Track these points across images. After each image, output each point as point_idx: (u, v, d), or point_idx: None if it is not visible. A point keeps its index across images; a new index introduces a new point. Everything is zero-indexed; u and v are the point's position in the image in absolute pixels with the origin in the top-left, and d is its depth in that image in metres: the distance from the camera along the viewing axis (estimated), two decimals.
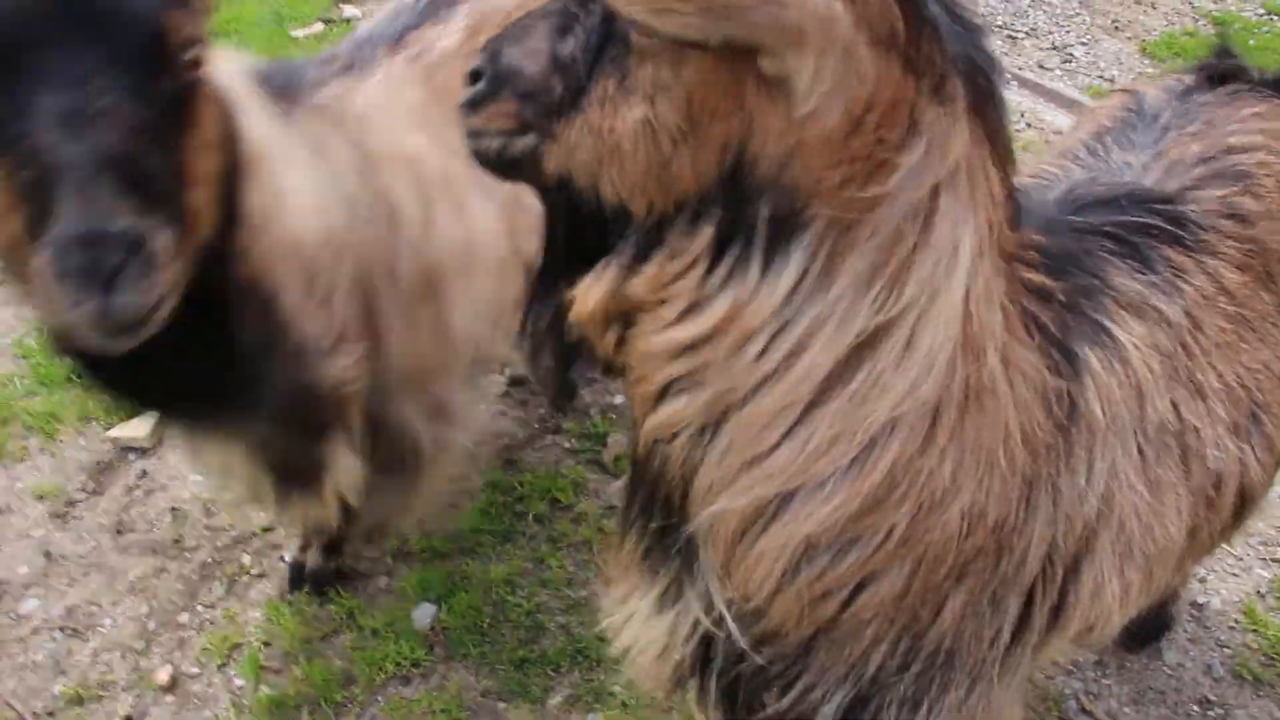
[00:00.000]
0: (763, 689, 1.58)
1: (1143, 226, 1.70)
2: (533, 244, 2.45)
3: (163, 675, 2.70)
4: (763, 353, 1.18)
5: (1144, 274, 1.64)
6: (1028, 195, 1.80)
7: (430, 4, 2.58)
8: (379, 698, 2.64)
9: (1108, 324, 1.52)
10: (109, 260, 1.48)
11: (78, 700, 2.63)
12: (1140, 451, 1.56)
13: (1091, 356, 1.47)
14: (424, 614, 2.81)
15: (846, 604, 1.36)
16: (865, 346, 1.16)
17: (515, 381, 3.50)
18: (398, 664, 2.70)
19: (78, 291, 1.49)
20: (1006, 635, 1.52)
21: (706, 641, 1.55)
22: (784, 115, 1.09)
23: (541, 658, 2.71)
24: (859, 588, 1.35)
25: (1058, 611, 1.57)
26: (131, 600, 2.88)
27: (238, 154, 1.82)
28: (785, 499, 1.25)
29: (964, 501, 1.30)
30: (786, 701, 1.55)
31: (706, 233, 1.16)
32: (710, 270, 1.17)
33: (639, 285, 1.22)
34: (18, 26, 1.49)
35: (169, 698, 2.67)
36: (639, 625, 1.63)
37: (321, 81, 2.27)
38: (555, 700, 2.64)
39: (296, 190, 1.99)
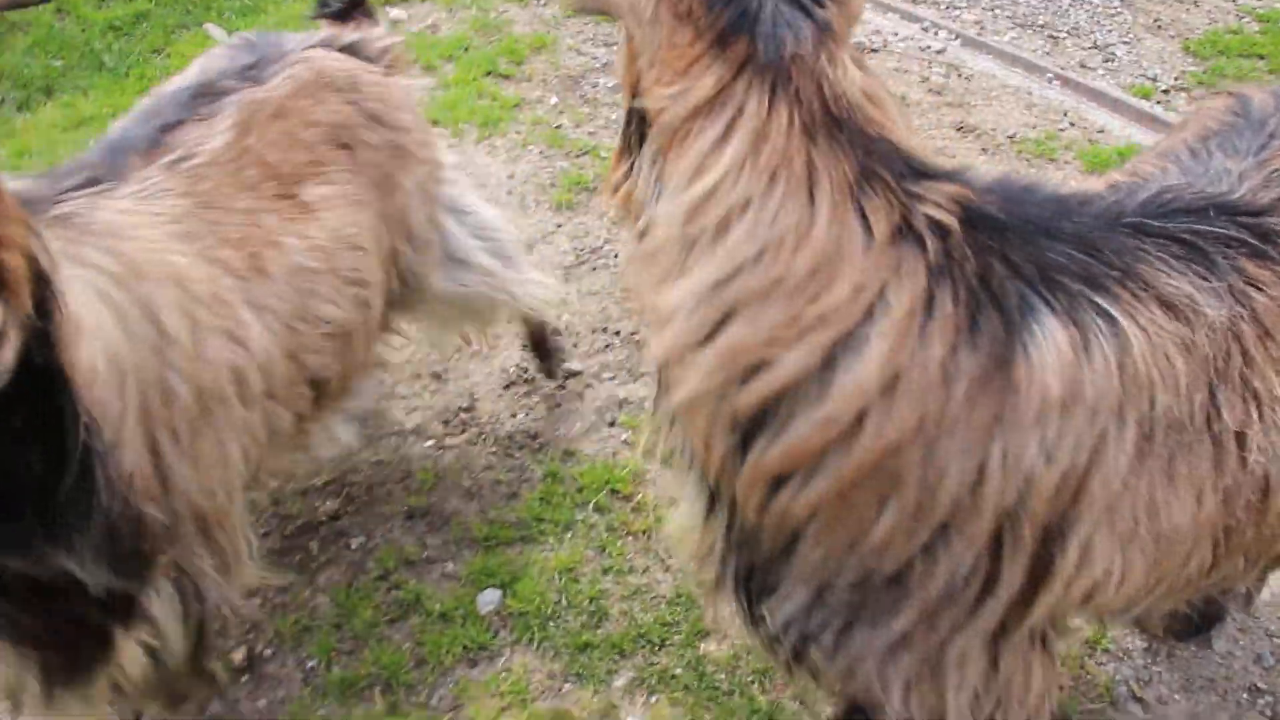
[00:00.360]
0: (761, 590, 1.81)
1: (1224, 238, 1.74)
2: (320, 360, 2.37)
3: (238, 656, 2.80)
4: (643, 232, 1.60)
5: (1204, 279, 1.68)
6: (1119, 191, 1.86)
7: (194, 98, 2.33)
8: (448, 679, 2.73)
9: (1113, 311, 1.60)
10: None
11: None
12: (1143, 439, 1.62)
13: (1056, 331, 1.56)
14: (488, 599, 2.90)
15: (792, 500, 1.60)
16: (689, 232, 1.51)
17: (571, 374, 3.58)
18: (465, 647, 2.79)
19: None
20: (969, 581, 1.66)
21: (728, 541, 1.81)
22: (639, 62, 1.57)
23: (605, 642, 2.79)
24: (801, 483, 1.58)
25: (1040, 573, 1.67)
26: None
27: (38, 242, 1.66)
28: (676, 356, 1.56)
29: (830, 408, 1.51)
30: (774, 601, 1.79)
31: (623, 130, 1.68)
32: (623, 155, 1.68)
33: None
34: None
35: (245, 677, 2.77)
36: (681, 516, 1.91)
37: (53, 198, 1.96)
38: (619, 683, 2.71)
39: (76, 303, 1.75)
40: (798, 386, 1.50)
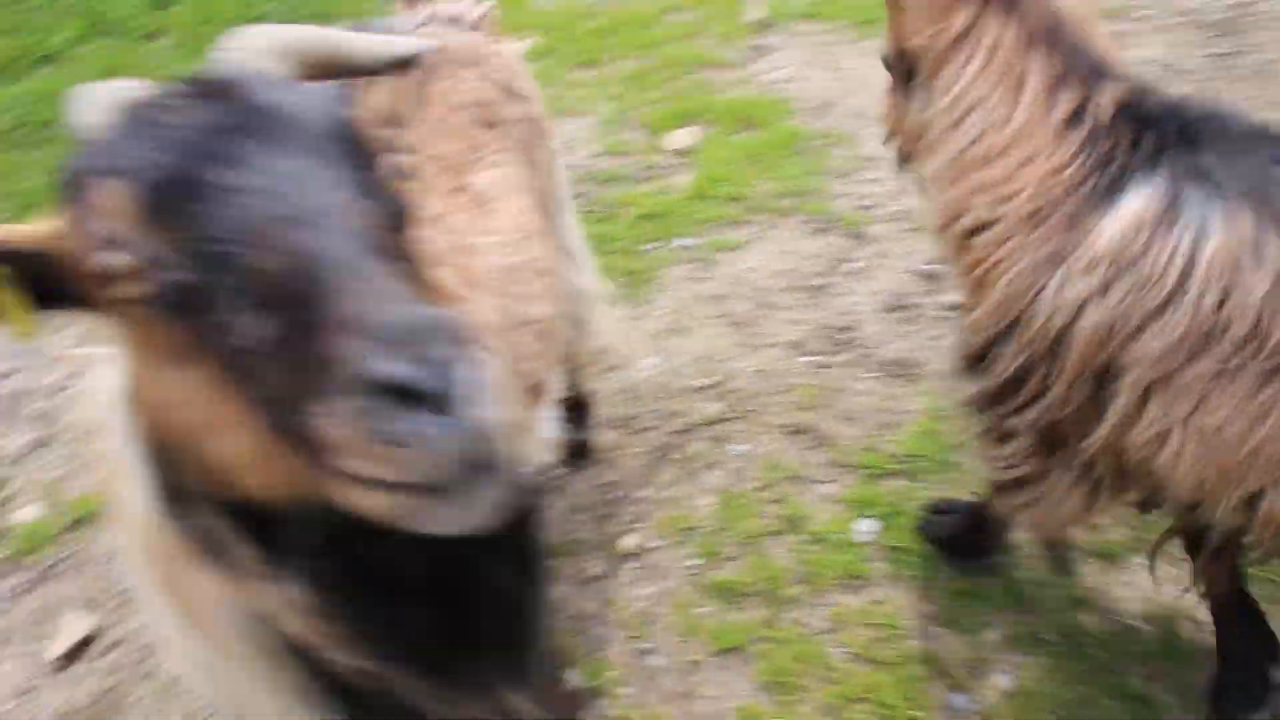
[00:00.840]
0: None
1: None
2: (533, 366, 2.14)
3: (626, 542, 3.01)
4: (921, 134, 2.25)
5: None
6: None
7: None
8: (825, 601, 2.84)
9: (1214, 218, 1.80)
10: (438, 354, 0.99)
11: (558, 553, 3.00)
12: (1197, 335, 1.80)
13: (1135, 205, 1.87)
14: (865, 529, 2.98)
15: (963, 277, 2.21)
16: (943, 125, 2.15)
17: (955, 307, 3.53)
18: (841, 573, 2.89)
19: (416, 414, 0.98)
20: (1021, 380, 2.10)
21: None
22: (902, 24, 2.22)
23: (978, 593, 2.81)
24: (964, 271, 2.19)
25: (1093, 408, 1.99)
26: (596, 470, 3.20)
27: None
28: (929, 204, 2.26)
29: (991, 236, 2.07)
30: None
31: (890, 73, 2.34)
32: (891, 91, 2.36)
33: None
34: (205, 145, 1.14)
35: (631, 563, 2.98)
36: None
37: None
38: (990, 637, 2.73)
39: None
40: (982, 226, 2.09)
